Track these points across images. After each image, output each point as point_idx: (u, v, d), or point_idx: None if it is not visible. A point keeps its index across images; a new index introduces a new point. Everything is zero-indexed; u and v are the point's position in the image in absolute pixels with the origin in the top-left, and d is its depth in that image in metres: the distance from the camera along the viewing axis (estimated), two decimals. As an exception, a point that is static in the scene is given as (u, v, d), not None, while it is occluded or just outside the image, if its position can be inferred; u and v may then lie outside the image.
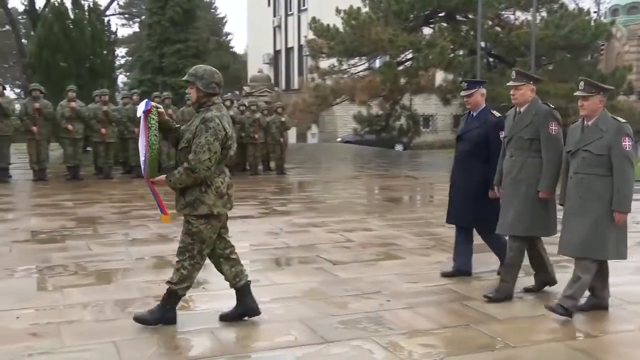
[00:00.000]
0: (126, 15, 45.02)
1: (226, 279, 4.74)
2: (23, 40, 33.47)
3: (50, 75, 17.38)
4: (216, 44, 34.53)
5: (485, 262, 6.10)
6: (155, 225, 8.42)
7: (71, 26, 18.26)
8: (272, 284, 5.73)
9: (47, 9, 26.93)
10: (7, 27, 41.26)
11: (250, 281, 4.77)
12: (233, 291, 5.43)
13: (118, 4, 41.98)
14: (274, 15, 37.38)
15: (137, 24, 44.69)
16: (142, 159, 4.48)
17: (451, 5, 20.55)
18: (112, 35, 20.02)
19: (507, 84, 5.51)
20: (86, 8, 19.32)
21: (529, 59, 18.39)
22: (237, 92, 31.46)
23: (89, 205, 10.07)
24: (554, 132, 5.12)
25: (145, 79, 18.52)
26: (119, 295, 5.30)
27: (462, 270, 5.92)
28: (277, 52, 37.59)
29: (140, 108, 4.41)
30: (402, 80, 20.10)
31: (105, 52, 18.93)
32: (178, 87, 17.09)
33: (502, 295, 5.20)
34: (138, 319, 4.52)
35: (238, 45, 66.79)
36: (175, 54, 18.83)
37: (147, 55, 19.38)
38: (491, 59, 22.06)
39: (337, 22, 20.36)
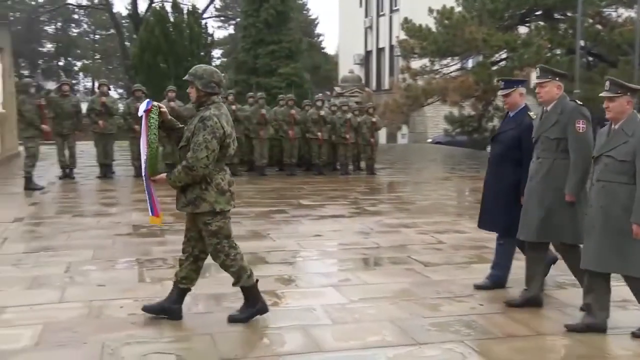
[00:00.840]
0: (222, 18, 46.25)
1: (176, 273, 4.73)
2: (126, 43, 35.03)
3: (151, 76, 18.05)
4: (308, 45, 34.86)
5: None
6: (249, 222, 8.61)
7: (171, 29, 18.90)
8: (363, 284, 5.73)
9: (148, 13, 28.08)
10: (112, 30, 43.30)
11: (190, 289, 4.74)
12: (324, 288, 5.52)
13: (214, 7, 43.22)
14: (366, 16, 37.34)
15: (232, 26, 45.83)
16: (143, 157, 4.53)
17: (549, 3, 19.86)
18: (209, 38, 20.56)
19: (534, 82, 5.25)
20: (185, 12, 19.96)
21: (632, 57, 17.53)
22: (328, 93, 31.64)
23: (186, 202, 10.37)
24: (581, 131, 4.76)
25: (240, 80, 18.88)
26: (214, 289, 5.44)
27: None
28: (368, 53, 37.53)
29: (142, 107, 4.47)
30: (496, 81, 19.61)
31: (202, 53, 19.46)
32: (271, 88, 17.34)
33: None
34: (234, 320, 4.61)
35: (329, 46, 67.43)
36: (269, 55, 19.10)
37: (242, 57, 19.76)
38: (591, 58, 21.17)
39: (430, 22, 20.09)
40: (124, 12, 41.14)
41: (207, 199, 4.44)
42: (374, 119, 15.58)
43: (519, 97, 5.45)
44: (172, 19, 19.15)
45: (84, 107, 14.37)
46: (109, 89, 14.25)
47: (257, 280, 4.69)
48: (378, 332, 4.47)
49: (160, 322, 4.59)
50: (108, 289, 5.42)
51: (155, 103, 4.55)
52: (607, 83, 4.46)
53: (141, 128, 4.49)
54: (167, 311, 4.66)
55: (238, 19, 37.91)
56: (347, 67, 32.93)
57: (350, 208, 10.08)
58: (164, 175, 4.53)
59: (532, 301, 5.02)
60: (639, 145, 4.25)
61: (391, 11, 34.63)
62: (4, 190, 11.64)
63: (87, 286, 5.54)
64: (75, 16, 49.90)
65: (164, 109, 4.56)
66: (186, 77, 4.54)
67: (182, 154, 4.49)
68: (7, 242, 7.23)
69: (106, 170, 13.55)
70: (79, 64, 53.10)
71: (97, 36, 52.35)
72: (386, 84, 34.20)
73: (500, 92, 5.59)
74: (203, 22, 21.63)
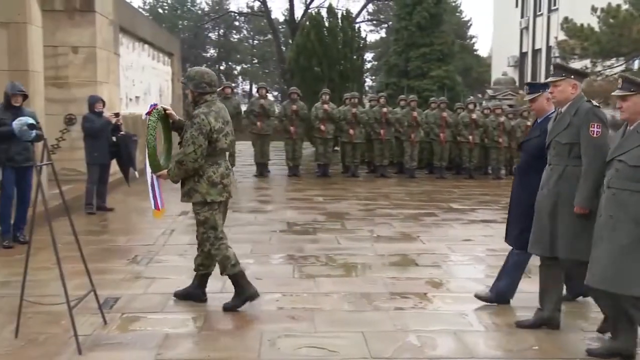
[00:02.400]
0: (374, 22, 46.56)
1: (194, 261, 5.08)
2: (282, 48, 36.29)
3: (306, 79, 18.58)
4: (460, 47, 34.21)
5: None
6: (399, 223, 8.60)
7: (326, 33, 19.34)
8: (517, 291, 5.51)
9: (304, 18, 28.89)
10: (269, 36, 45.04)
11: (210, 274, 5.11)
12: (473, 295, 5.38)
13: (367, 11, 43.58)
14: (522, 17, 35.95)
15: (384, 30, 46.00)
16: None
17: None
18: (362, 41, 20.78)
19: (546, 80, 4.70)
20: (339, 16, 20.33)
21: None
22: (480, 95, 30.88)
23: (337, 201, 10.59)
24: (595, 136, 4.20)
25: (391, 82, 18.94)
26: (366, 288, 5.50)
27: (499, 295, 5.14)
28: (522, 54, 36.12)
29: (146, 110, 4.67)
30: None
31: (355, 57, 19.75)
32: (422, 90, 17.23)
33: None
34: (226, 308, 4.87)
35: (482, 47, 65.65)
36: (420, 58, 19.00)
37: (393, 60, 19.80)
38: None
39: (592, 21, 18.99)
40: (281, 18, 42.67)
41: (199, 190, 4.77)
42: (529, 123, 14.96)
43: (546, 103, 4.93)
44: (326, 24, 19.59)
45: (244, 108, 15.08)
46: (267, 92, 14.83)
47: (243, 270, 4.99)
48: (534, 343, 4.30)
49: (314, 318, 4.72)
50: (265, 282, 5.64)
51: (161, 106, 4.81)
52: (620, 80, 3.97)
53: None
54: (191, 295, 5.07)
55: (390, 23, 38.03)
56: (501, 69, 31.90)
57: (502, 213, 9.74)
58: (165, 171, 4.86)
59: (546, 322, 4.59)
60: None
61: (549, 11, 33.10)
62: (172, 185, 12.42)
63: (245, 278, 5.80)
64: (237, 23, 52.42)
65: (170, 111, 4.89)
66: (181, 80, 4.86)
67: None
68: (174, 234, 7.76)
69: (262, 169, 14.14)
70: (238, 68, 55.73)
71: (256, 41, 54.62)
72: (542, 87, 32.68)
73: (526, 98, 5.16)
74: (356, 26, 21.88)
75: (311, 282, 5.72)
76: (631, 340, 4.02)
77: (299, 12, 34.29)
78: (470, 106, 14.88)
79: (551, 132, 4.51)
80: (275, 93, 45.24)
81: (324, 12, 20.49)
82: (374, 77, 44.17)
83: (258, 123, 13.79)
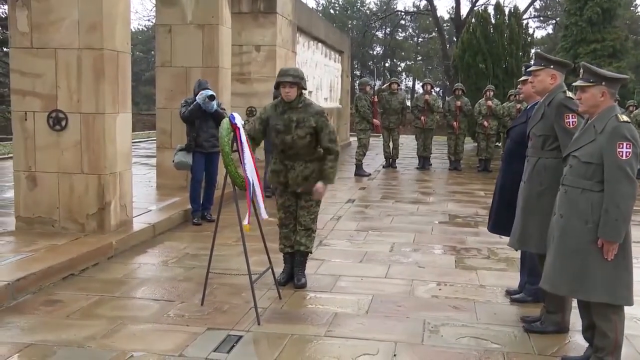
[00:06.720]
0: (541, 18, 44.27)
1: (292, 243, 5.04)
2: (446, 45, 35.64)
3: (470, 76, 18.10)
4: (633, 43, 31.52)
5: None
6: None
7: (492, 30, 18.69)
8: None
9: (470, 16, 28.10)
10: (434, 33, 44.41)
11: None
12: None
13: (534, 8, 41.52)
14: None
15: (550, 26, 43.62)
16: (251, 172, 4.31)
17: None
18: (529, 38, 19.82)
19: (528, 69, 4.28)
20: (506, 13, 19.53)
21: None
22: (652, 93, 28.33)
23: (498, 196, 10.18)
24: (572, 126, 3.84)
25: (558, 79, 17.90)
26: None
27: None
28: None
29: (237, 120, 4.29)
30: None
31: (520, 53, 18.90)
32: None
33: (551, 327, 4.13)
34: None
35: (657, 43, 60.05)
36: (590, 54, 17.80)
37: (561, 56, 18.65)
38: None
39: None
40: (446, 16, 41.87)
41: None
42: None
43: (532, 88, 4.39)
44: (493, 21, 18.92)
45: (408, 104, 14.99)
46: (432, 88, 14.62)
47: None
48: None
49: (475, 309, 4.58)
50: (427, 271, 5.58)
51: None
52: (581, 70, 3.48)
53: (240, 140, 4.31)
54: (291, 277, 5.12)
55: (557, 19, 35.96)
56: (679, 66, 29.00)
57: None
58: (321, 185, 4.85)
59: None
60: (606, 144, 3.30)
61: None
62: (338, 175, 12.71)
63: (408, 266, 5.77)
64: (403, 22, 52.22)
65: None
66: (292, 80, 4.65)
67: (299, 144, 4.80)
68: (341, 220, 7.90)
69: (424, 162, 14.00)
70: (402, 65, 55.56)
71: (420, 39, 54.11)
72: None
73: (521, 79, 4.80)
74: (523, 22, 20.89)
75: (473, 274, 5.56)
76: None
77: (464, 10, 33.45)
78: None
79: (529, 123, 4.27)
80: (437, 89, 44.59)
81: (490, 9, 19.81)
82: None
83: (422, 117, 13.67)
